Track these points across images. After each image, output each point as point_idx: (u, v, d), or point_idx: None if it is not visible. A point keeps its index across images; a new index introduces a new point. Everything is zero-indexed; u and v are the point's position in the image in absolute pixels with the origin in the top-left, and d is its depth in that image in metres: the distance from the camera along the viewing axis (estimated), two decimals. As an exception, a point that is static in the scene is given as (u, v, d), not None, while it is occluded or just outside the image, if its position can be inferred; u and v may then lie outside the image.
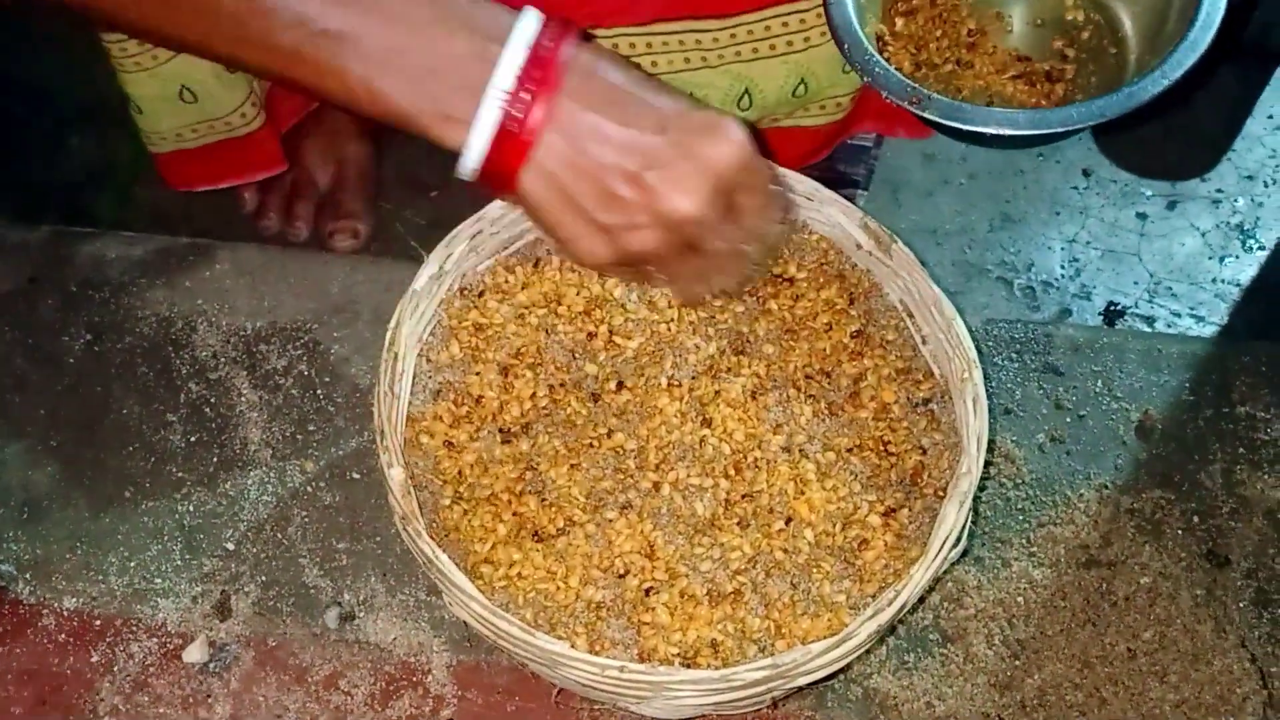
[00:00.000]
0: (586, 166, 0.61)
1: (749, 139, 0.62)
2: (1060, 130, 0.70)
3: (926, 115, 0.70)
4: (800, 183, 0.79)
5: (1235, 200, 1.17)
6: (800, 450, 0.74)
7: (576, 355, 0.77)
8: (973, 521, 0.77)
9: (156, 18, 0.60)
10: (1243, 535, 0.81)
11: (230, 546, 0.82)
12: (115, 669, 0.77)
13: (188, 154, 0.99)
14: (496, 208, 0.77)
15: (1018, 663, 0.77)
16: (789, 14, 0.84)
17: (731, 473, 0.73)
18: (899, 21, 0.78)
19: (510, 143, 0.60)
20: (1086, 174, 1.19)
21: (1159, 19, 0.74)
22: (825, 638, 0.64)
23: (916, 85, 0.71)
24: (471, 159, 0.60)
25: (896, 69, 0.74)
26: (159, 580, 0.81)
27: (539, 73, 0.59)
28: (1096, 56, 0.78)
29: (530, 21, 0.60)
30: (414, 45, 0.59)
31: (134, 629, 0.79)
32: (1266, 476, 0.84)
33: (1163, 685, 0.75)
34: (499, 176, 0.61)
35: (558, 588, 0.70)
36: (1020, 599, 0.79)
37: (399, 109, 0.60)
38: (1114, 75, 0.76)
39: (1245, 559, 0.80)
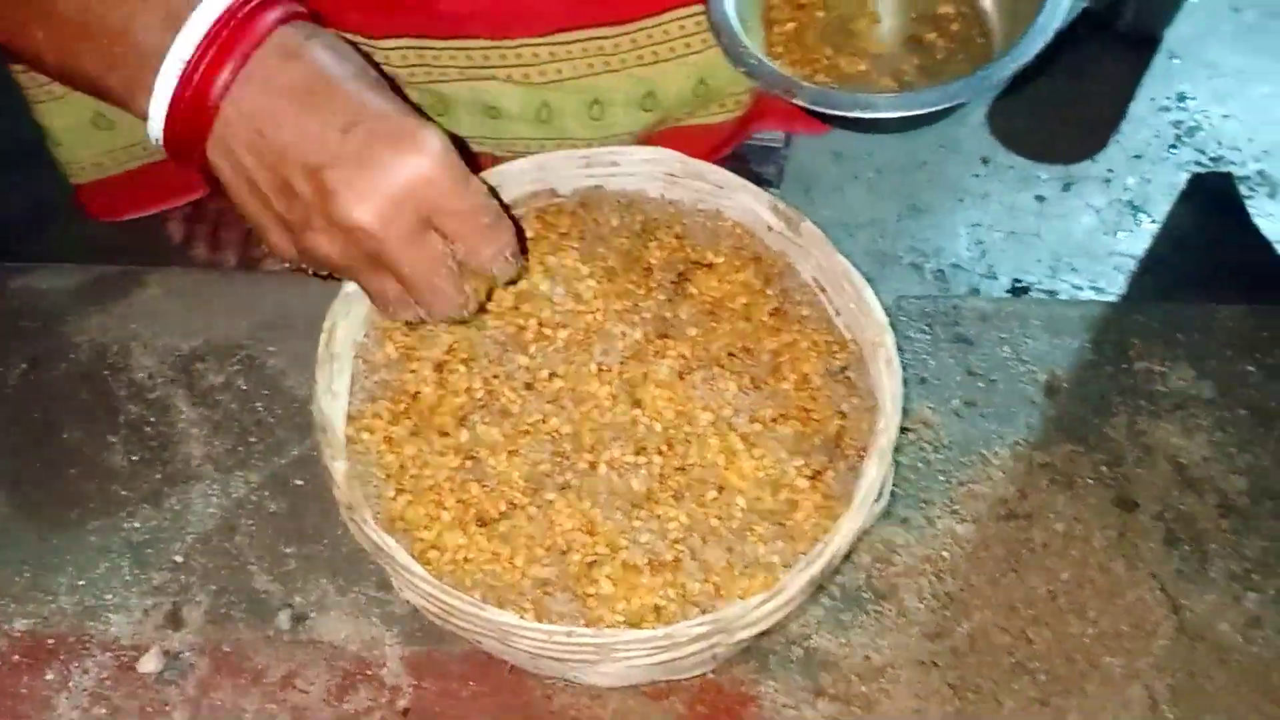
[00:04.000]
0: (265, 152, 0.57)
1: (448, 157, 0.57)
2: (921, 113, 0.74)
3: (796, 102, 0.74)
4: (712, 173, 0.83)
5: (1125, 178, 1.24)
6: (728, 423, 0.77)
7: (508, 349, 0.80)
8: (896, 484, 0.81)
9: None
10: (1148, 480, 0.86)
11: (179, 559, 0.83)
12: (71, 685, 0.78)
13: (110, 182, 1.00)
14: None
15: (948, 613, 0.81)
16: (687, 16, 0.88)
17: (664, 449, 0.76)
18: (776, 18, 0.83)
19: (188, 115, 0.56)
20: (985, 161, 1.25)
21: (1024, 6, 0.79)
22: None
23: (789, 75, 0.75)
24: (154, 129, 0.58)
25: (776, 63, 0.78)
26: (109, 596, 0.82)
27: (222, 45, 0.55)
28: (965, 46, 0.83)
29: None
30: (106, 8, 0.55)
31: (87, 645, 0.80)
32: (1166, 425, 0.89)
33: (1082, 621, 0.80)
34: (184, 151, 0.58)
35: (504, 568, 0.72)
36: (946, 554, 0.83)
37: (87, 74, 0.57)
38: (981, 64, 0.81)
39: (1152, 502, 0.85)
